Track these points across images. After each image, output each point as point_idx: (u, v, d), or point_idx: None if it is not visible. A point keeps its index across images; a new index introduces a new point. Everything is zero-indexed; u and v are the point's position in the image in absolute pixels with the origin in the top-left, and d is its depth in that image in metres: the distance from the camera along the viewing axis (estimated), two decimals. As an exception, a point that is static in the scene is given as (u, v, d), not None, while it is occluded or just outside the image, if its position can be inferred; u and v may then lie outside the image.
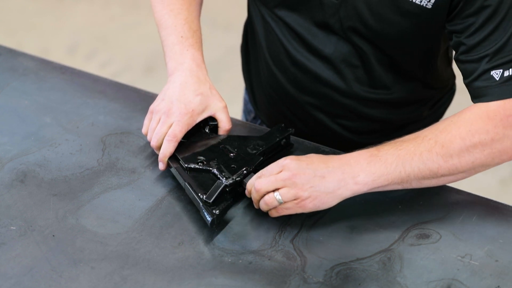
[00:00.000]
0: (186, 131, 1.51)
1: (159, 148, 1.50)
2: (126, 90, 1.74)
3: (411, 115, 1.74)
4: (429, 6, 1.46)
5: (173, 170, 1.50)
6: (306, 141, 1.61)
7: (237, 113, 2.08)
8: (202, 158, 1.48)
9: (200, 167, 1.47)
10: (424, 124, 1.70)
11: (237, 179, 1.44)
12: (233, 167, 1.46)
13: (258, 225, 1.43)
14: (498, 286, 1.32)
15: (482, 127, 1.38)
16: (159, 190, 1.49)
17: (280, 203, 1.38)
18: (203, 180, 1.45)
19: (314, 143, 1.61)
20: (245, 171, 1.45)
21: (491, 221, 1.44)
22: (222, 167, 1.46)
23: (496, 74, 1.40)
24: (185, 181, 1.45)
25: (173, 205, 1.46)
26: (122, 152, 1.57)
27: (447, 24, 1.47)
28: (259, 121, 1.90)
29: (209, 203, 1.40)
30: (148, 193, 1.48)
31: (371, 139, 1.67)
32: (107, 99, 1.70)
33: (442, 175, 1.40)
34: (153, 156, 1.56)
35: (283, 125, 1.56)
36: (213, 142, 1.52)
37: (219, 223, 1.41)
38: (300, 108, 1.71)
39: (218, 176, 1.44)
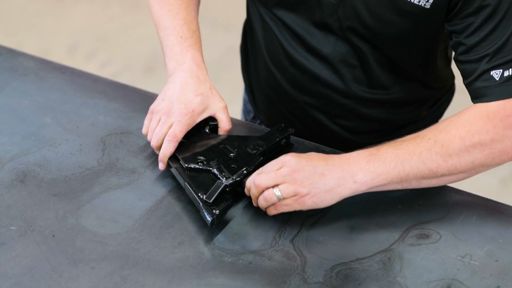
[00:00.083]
0: (186, 131, 1.51)
1: (159, 148, 1.51)
2: (126, 90, 1.74)
3: (410, 115, 1.74)
4: (428, 6, 1.46)
5: (173, 170, 1.50)
6: (306, 141, 1.61)
7: (237, 113, 2.08)
8: (202, 158, 1.48)
9: (200, 167, 1.47)
10: (423, 124, 1.70)
11: (237, 179, 1.44)
12: (233, 167, 1.46)
13: (258, 225, 1.43)
14: (498, 286, 1.32)
15: (482, 127, 1.38)
16: (159, 190, 1.49)
17: (279, 199, 1.38)
18: (203, 180, 1.45)
19: (314, 143, 1.61)
20: (245, 171, 1.45)
21: (491, 221, 1.44)
22: (222, 167, 1.46)
23: (496, 74, 1.40)
24: (185, 181, 1.45)
25: (173, 205, 1.46)
26: (122, 152, 1.57)
27: (446, 24, 1.47)
28: (258, 121, 1.90)
29: (209, 203, 1.40)
30: (148, 193, 1.48)
31: (370, 139, 1.67)
32: (107, 99, 1.70)
33: (442, 175, 1.40)
34: (153, 156, 1.56)
35: (283, 125, 1.56)
36: (213, 142, 1.52)
37: (219, 223, 1.41)
38: (298, 108, 1.71)
39: (218, 176, 1.44)
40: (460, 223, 1.43)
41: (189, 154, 1.49)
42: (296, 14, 1.59)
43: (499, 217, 1.44)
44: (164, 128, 1.50)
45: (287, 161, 1.39)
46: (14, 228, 1.40)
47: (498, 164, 1.41)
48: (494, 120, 1.38)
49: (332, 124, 1.71)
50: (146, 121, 1.56)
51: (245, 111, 1.98)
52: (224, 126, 1.55)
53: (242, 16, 1.82)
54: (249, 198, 1.44)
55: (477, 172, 1.41)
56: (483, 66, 1.41)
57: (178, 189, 1.49)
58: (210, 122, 1.55)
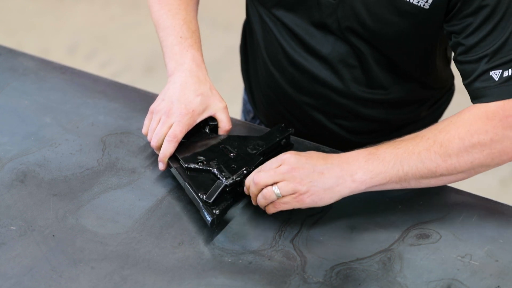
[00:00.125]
0: (186, 132, 1.51)
1: (159, 148, 1.51)
2: (126, 90, 1.74)
3: (410, 116, 1.73)
4: (427, 6, 1.46)
5: (173, 170, 1.50)
6: (306, 141, 1.61)
7: (237, 113, 2.08)
8: (202, 158, 1.48)
9: (200, 167, 1.47)
10: (422, 124, 1.70)
11: (237, 179, 1.44)
12: (233, 167, 1.46)
13: (258, 225, 1.43)
14: (498, 286, 1.32)
15: (481, 127, 1.38)
16: (159, 190, 1.49)
17: (278, 197, 1.38)
18: (203, 180, 1.45)
19: (314, 143, 1.61)
20: (245, 171, 1.45)
21: (491, 221, 1.44)
22: (222, 167, 1.46)
23: (495, 74, 1.40)
24: (185, 181, 1.45)
25: (173, 205, 1.46)
26: (122, 152, 1.57)
27: (445, 25, 1.47)
28: (258, 121, 1.90)
29: (209, 203, 1.40)
30: (148, 193, 1.48)
31: (369, 139, 1.67)
32: (107, 99, 1.70)
33: (441, 175, 1.40)
34: (153, 156, 1.56)
35: (283, 125, 1.56)
36: (213, 142, 1.52)
37: (219, 223, 1.41)
38: (298, 108, 1.71)
39: (218, 176, 1.44)
40: (460, 223, 1.43)
41: (189, 154, 1.49)
42: (295, 14, 1.59)
43: (499, 217, 1.45)
44: (164, 128, 1.50)
45: (287, 159, 1.39)
46: (14, 228, 1.40)
47: (498, 164, 1.41)
48: (493, 121, 1.38)
49: (331, 124, 1.71)
50: (146, 121, 1.56)
51: (245, 111, 1.98)
52: (224, 126, 1.55)
53: (242, 16, 1.82)
54: (249, 197, 1.44)
55: (476, 172, 1.41)
56: (482, 66, 1.41)
57: (178, 189, 1.49)
58: (210, 122, 1.56)
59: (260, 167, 1.42)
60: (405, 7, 1.47)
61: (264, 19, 1.65)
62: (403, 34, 1.52)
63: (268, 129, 1.60)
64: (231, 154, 1.49)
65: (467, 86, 1.44)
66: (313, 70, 1.63)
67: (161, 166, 1.50)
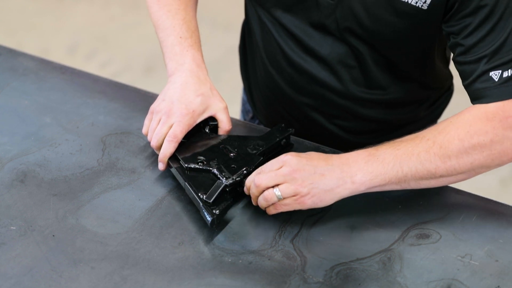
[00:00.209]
0: (186, 132, 1.51)
1: (159, 148, 1.51)
2: (126, 90, 1.74)
3: (408, 116, 1.73)
4: (425, 7, 1.46)
5: (173, 170, 1.50)
6: (306, 141, 1.61)
7: (237, 113, 2.08)
8: (202, 158, 1.48)
9: (200, 167, 1.47)
10: (421, 124, 1.71)
11: (237, 179, 1.44)
12: (233, 167, 1.46)
13: (258, 225, 1.43)
14: (498, 286, 1.32)
15: (481, 128, 1.38)
16: (159, 190, 1.49)
17: (279, 199, 1.38)
18: (203, 180, 1.45)
19: (314, 143, 1.61)
20: (245, 171, 1.45)
21: (491, 221, 1.44)
22: (222, 167, 1.46)
23: (495, 75, 1.40)
24: (185, 181, 1.45)
25: (173, 205, 1.46)
26: (122, 152, 1.57)
27: (444, 25, 1.47)
28: (257, 121, 1.90)
29: (209, 203, 1.40)
30: (148, 193, 1.48)
31: (368, 139, 1.67)
32: (107, 99, 1.70)
33: (441, 176, 1.39)
34: (153, 156, 1.56)
35: (283, 125, 1.56)
36: (213, 142, 1.52)
37: (219, 223, 1.41)
38: (296, 109, 1.71)
39: (218, 176, 1.44)
40: (460, 223, 1.43)
41: (189, 154, 1.49)
42: (294, 15, 1.59)
43: (499, 217, 1.45)
44: (165, 128, 1.50)
45: (288, 160, 1.39)
46: (14, 228, 1.40)
47: (498, 165, 1.41)
48: (493, 122, 1.38)
49: (330, 124, 1.71)
50: (146, 121, 1.56)
51: (244, 111, 1.98)
52: (224, 126, 1.55)
53: (242, 16, 1.82)
54: (249, 197, 1.44)
55: (477, 173, 1.41)
56: (482, 67, 1.40)
57: (178, 189, 1.49)
58: (210, 122, 1.55)
59: (260, 168, 1.42)
60: (403, 7, 1.47)
61: (263, 20, 1.65)
62: (401, 35, 1.52)
63: (268, 129, 1.60)
64: (231, 154, 1.49)
65: (466, 87, 1.44)
66: (312, 71, 1.63)
67: (161, 166, 1.50)
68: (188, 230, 1.41)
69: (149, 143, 1.53)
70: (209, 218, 1.38)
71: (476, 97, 1.42)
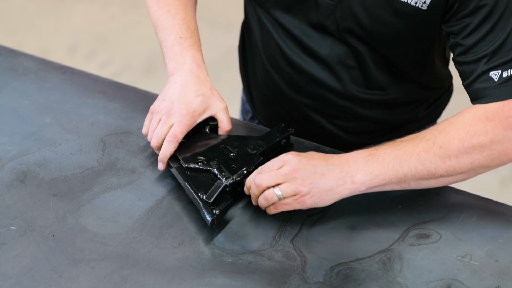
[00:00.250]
0: (186, 132, 1.51)
1: (159, 148, 1.51)
2: (126, 90, 1.74)
3: (408, 116, 1.73)
4: (425, 7, 1.46)
5: (173, 170, 1.50)
6: (306, 141, 1.61)
7: (237, 113, 2.08)
8: (202, 158, 1.48)
9: (200, 167, 1.47)
10: (421, 124, 1.70)
11: (237, 179, 1.44)
12: (233, 167, 1.46)
13: (258, 225, 1.43)
14: (498, 286, 1.32)
15: (481, 128, 1.38)
16: (159, 190, 1.49)
17: (280, 199, 1.38)
18: (203, 180, 1.45)
19: (314, 143, 1.61)
20: (245, 171, 1.45)
21: (491, 221, 1.44)
22: (222, 167, 1.46)
23: (495, 75, 1.40)
24: (185, 181, 1.45)
25: (173, 205, 1.46)
26: (122, 152, 1.57)
27: (444, 26, 1.47)
28: (256, 121, 1.90)
29: (209, 203, 1.40)
30: (148, 193, 1.48)
31: (367, 140, 1.67)
32: (107, 99, 1.70)
33: (441, 176, 1.39)
34: (153, 156, 1.56)
35: (283, 125, 1.56)
36: (213, 142, 1.52)
37: (219, 223, 1.41)
38: (296, 109, 1.71)
39: (218, 176, 1.44)
40: (460, 223, 1.43)
41: (189, 154, 1.49)
42: (293, 15, 1.59)
43: (499, 217, 1.45)
44: (165, 129, 1.50)
45: (288, 160, 1.39)
46: (14, 228, 1.41)
47: (499, 165, 1.41)
48: (493, 122, 1.38)
49: (329, 124, 1.71)
50: (146, 121, 1.56)
51: (243, 111, 1.98)
52: (224, 126, 1.55)
53: (242, 16, 1.82)
54: (249, 197, 1.44)
55: (477, 173, 1.41)
56: (481, 67, 1.40)
57: (178, 189, 1.49)
58: (210, 122, 1.55)
59: (260, 167, 1.42)
60: (403, 8, 1.47)
61: (262, 20, 1.65)
62: (401, 35, 1.52)
63: (268, 129, 1.60)
64: (231, 154, 1.49)
65: (466, 87, 1.44)
66: (311, 71, 1.63)
67: (161, 166, 1.50)
68: (188, 230, 1.41)
69: (149, 143, 1.53)
70: (209, 218, 1.38)
71: (476, 97, 1.42)
